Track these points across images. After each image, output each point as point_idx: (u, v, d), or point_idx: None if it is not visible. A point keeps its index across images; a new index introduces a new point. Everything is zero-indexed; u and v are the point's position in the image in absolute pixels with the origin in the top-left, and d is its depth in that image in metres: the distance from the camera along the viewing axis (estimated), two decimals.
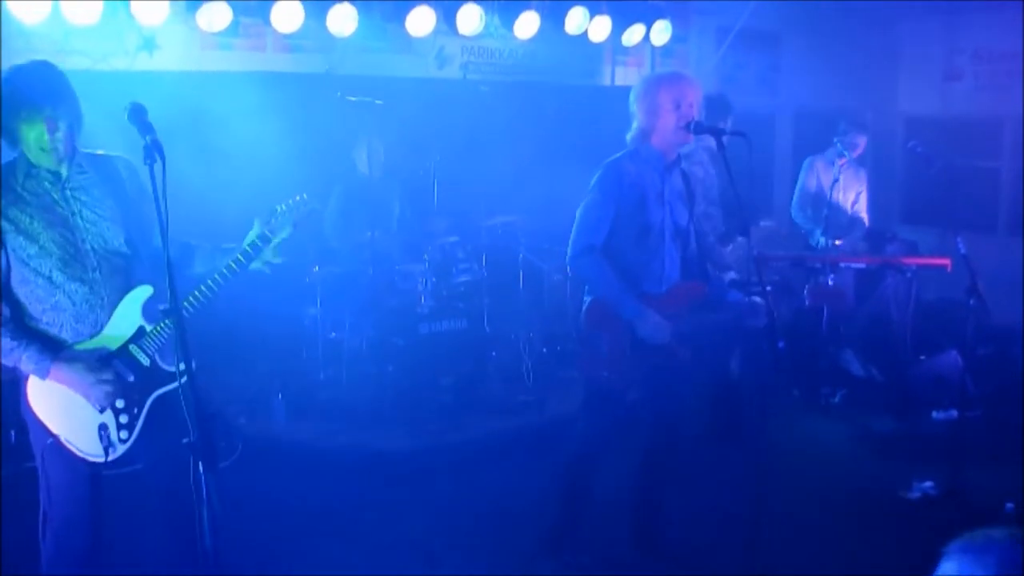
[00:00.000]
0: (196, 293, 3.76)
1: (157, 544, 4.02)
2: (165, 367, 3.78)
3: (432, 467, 6.37)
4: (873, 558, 5.21)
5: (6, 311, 3.59)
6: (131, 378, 3.71)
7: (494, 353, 7.84)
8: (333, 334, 7.30)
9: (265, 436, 6.65)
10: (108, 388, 3.62)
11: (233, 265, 3.83)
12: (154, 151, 3.22)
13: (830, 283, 7.36)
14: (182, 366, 3.23)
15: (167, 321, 3.65)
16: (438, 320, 7.39)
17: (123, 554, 4.45)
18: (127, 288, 3.72)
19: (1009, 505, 5.49)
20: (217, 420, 3.08)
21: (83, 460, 3.64)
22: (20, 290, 3.61)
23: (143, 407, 3.74)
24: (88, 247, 3.65)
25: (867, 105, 10.99)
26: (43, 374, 3.55)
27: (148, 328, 3.73)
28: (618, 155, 4.78)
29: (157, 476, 3.88)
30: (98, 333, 3.67)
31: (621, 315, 4.61)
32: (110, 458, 3.65)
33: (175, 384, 3.66)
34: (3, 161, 3.63)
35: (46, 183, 3.62)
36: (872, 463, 6.71)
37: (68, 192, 3.65)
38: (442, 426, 6.89)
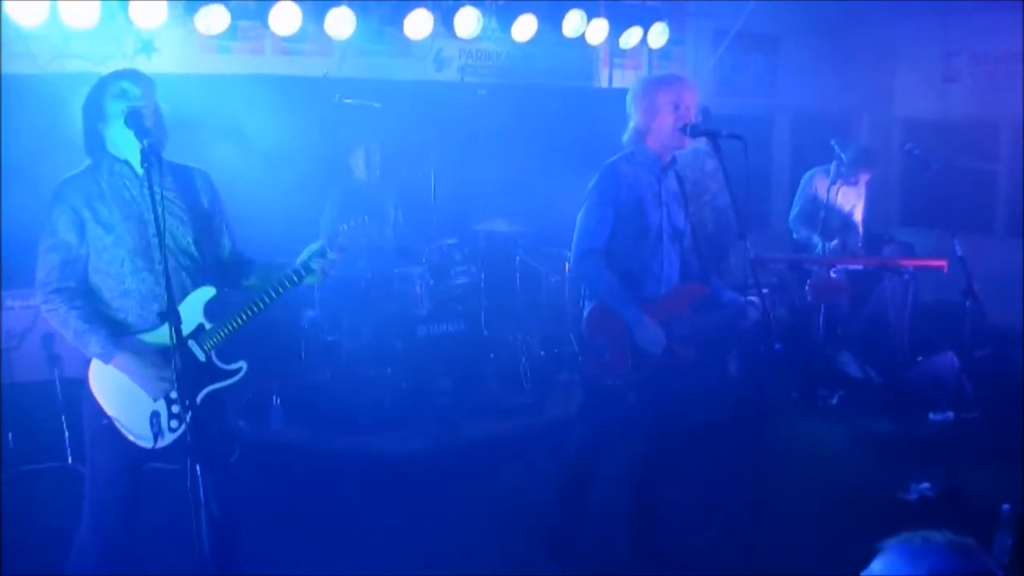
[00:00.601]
0: (253, 305, 3.95)
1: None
2: (220, 365, 3.98)
3: (430, 469, 6.37)
4: (870, 559, 5.21)
5: (81, 297, 3.77)
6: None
7: (492, 355, 7.84)
8: (331, 337, 7.30)
9: (263, 439, 6.66)
10: (164, 384, 3.79)
11: (287, 283, 4.00)
12: (151, 155, 3.26)
13: (832, 275, 7.37)
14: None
15: (229, 322, 3.92)
16: (436, 323, 7.40)
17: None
18: (189, 286, 3.92)
19: (1006, 506, 5.49)
20: (214, 423, 3.12)
21: (131, 447, 3.80)
22: (95, 277, 3.80)
23: (195, 400, 3.85)
24: (159, 241, 3.75)
25: (864, 107, 11.03)
26: (107, 359, 3.73)
27: (208, 326, 3.92)
28: (615, 158, 4.79)
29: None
30: (162, 324, 3.77)
31: (623, 318, 4.63)
32: (158, 445, 3.82)
33: (228, 382, 4.00)
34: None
35: (126, 180, 3.82)
36: (869, 464, 6.72)
37: (145, 189, 3.72)
38: (440, 428, 6.89)
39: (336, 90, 7.35)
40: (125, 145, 3.74)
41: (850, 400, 7.89)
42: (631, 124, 4.77)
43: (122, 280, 3.79)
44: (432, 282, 7.46)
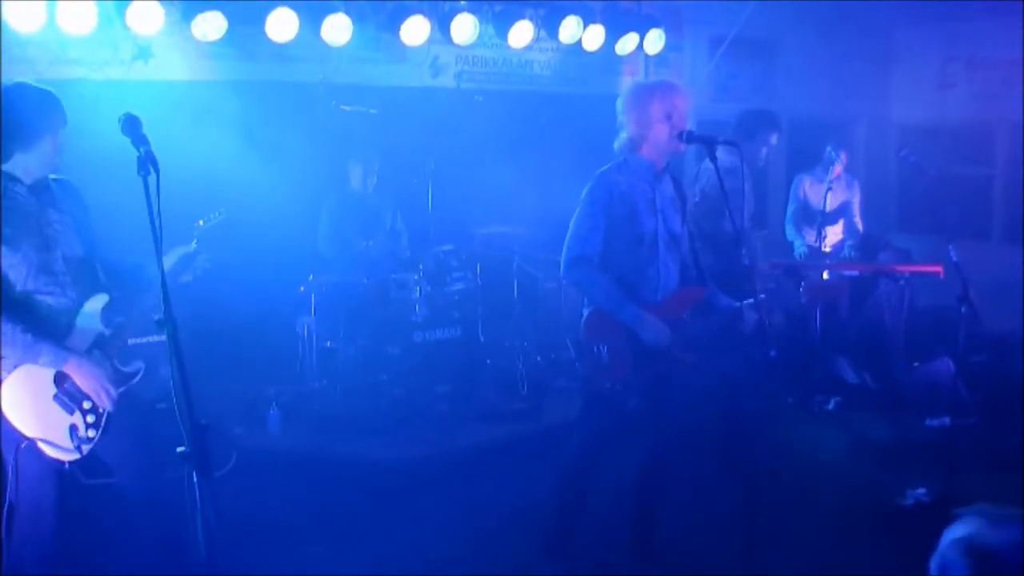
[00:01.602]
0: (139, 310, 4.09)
1: (133, 551, 4.13)
2: (123, 369, 4.07)
3: (427, 475, 6.37)
4: (866, 565, 5.22)
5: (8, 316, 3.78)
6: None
7: (489, 361, 7.85)
8: (328, 343, 7.30)
9: (260, 445, 6.65)
10: (111, 379, 3.93)
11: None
12: (148, 163, 3.25)
13: (825, 277, 7.37)
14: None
15: (123, 328, 4.04)
16: (433, 329, 7.41)
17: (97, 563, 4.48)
18: (89, 294, 4.00)
19: None
20: (211, 430, 3.10)
21: (53, 463, 3.87)
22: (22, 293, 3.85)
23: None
24: (59, 254, 3.93)
25: (861, 113, 11.05)
26: (60, 364, 3.82)
27: (107, 333, 4.01)
28: (607, 166, 4.80)
29: (132, 483, 4.16)
30: (66, 337, 3.92)
31: (621, 322, 4.62)
32: (83, 454, 3.88)
33: (130, 384, 4.08)
34: None
35: (21, 196, 3.88)
36: (866, 470, 6.71)
37: (41, 204, 3.93)
38: (437, 434, 6.90)
39: (332, 96, 7.36)
40: (40, 158, 3.88)
41: (846, 406, 7.90)
42: (623, 134, 4.77)
43: (28, 296, 3.85)
44: (429, 288, 7.47)
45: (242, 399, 7.20)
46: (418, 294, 7.39)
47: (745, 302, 4.78)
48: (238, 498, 4.77)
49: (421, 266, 7.49)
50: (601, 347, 4.71)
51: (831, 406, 7.88)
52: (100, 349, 3.97)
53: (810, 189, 8.43)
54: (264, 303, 7.08)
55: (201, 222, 4.42)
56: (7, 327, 3.73)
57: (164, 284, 3.22)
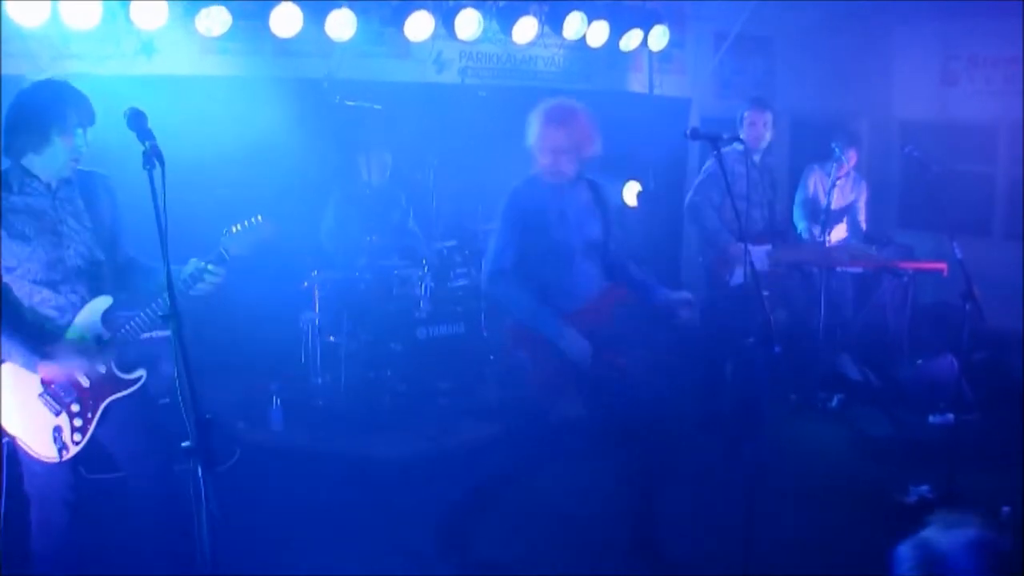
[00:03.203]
0: (147, 314, 3.96)
1: (141, 549, 4.13)
2: (121, 375, 4.00)
3: (429, 471, 6.37)
4: (869, 562, 5.21)
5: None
6: (87, 383, 3.91)
7: (492, 357, 7.85)
8: (331, 338, 7.30)
9: (263, 441, 6.66)
10: (94, 370, 3.88)
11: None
12: (153, 157, 3.26)
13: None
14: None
15: (124, 330, 3.95)
16: (436, 325, 7.41)
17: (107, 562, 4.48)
18: (101, 293, 3.96)
19: (1006, 509, 5.51)
20: (214, 424, 3.10)
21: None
22: (11, 289, 3.82)
23: (96, 412, 3.93)
24: (72, 252, 3.90)
25: (863, 110, 11.03)
26: (32, 367, 3.76)
27: (106, 336, 3.94)
28: (520, 181, 4.89)
29: (138, 482, 4.11)
30: (60, 337, 3.87)
31: (542, 333, 4.65)
32: (63, 459, 3.84)
33: (129, 391, 4.01)
34: None
35: (38, 193, 3.87)
36: (869, 467, 6.71)
37: (56, 202, 3.90)
38: (440, 430, 6.90)
39: (336, 92, 7.36)
40: (51, 159, 3.83)
41: (849, 403, 7.89)
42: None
43: (35, 292, 3.84)
44: (432, 284, 7.46)
45: (245, 394, 7.21)
46: (421, 290, 7.39)
47: (680, 294, 4.83)
48: (241, 492, 4.80)
49: (425, 262, 7.48)
50: (525, 357, 4.73)
51: (834, 403, 7.87)
52: (97, 351, 3.90)
53: (818, 183, 8.38)
54: (267, 298, 7.07)
55: (236, 227, 4.19)
56: None
57: (169, 279, 3.23)
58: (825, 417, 7.71)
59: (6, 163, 3.87)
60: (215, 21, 6.92)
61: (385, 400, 7.10)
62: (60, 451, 3.81)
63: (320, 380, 7.28)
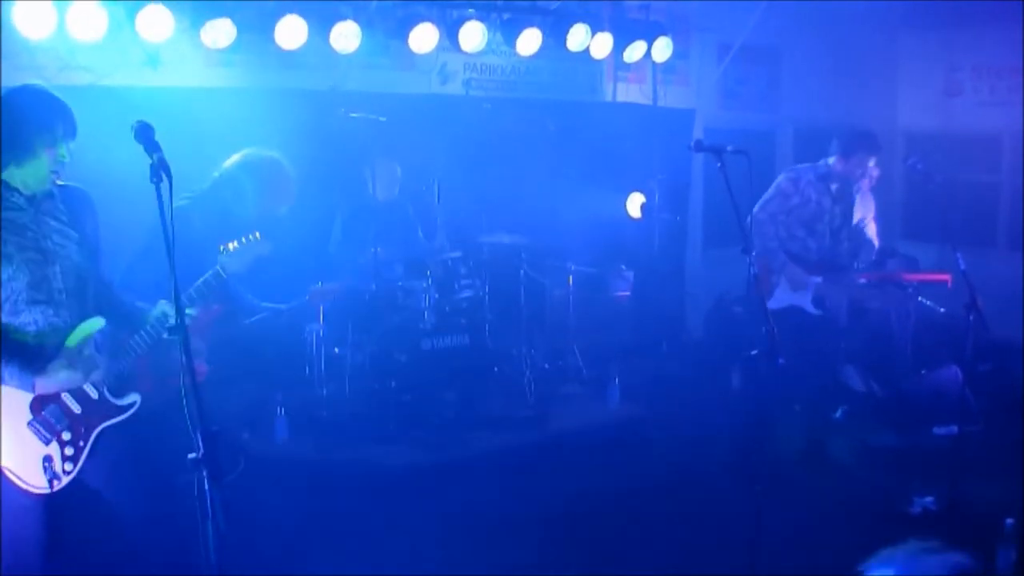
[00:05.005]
0: (141, 340, 3.92)
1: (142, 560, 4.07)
2: (113, 400, 3.86)
3: (435, 482, 6.38)
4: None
5: None
6: (78, 409, 3.76)
7: (496, 369, 7.85)
8: (336, 350, 7.30)
9: (268, 452, 6.65)
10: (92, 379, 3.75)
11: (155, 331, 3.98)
12: (160, 170, 3.25)
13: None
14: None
15: (120, 356, 3.84)
16: (440, 336, 7.40)
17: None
18: (86, 313, 3.80)
19: (1009, 520, 5.49)
20: (220, 436, 3.09)
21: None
22: None
23: (88, 440, 3.77)
24: (57, 269, 3.73)
25: (867, 121, 11.04)
26: (28, 387, 3.61)
27: (98, 360, 3.79)
28: None
29: (133, 509, 3.94)
30: (53, 359, 3.69)
31: None
32: (55, 489, 3.65)
33: (122, 417, 3.85)
34: None
35: (19, 207, 3.69)
36: (873, 478, 6.71)
37: (40, 216, 3.74)
38: (444, 441, 6.91)
39: (341, 104, 7.37)
40: (34, 172, 3.68)
41: (853, 414, 7.88)
42: None
43: (18, 314, 3.65)
44: (437, 295, 7.46)
45: (250, 405, 7.20)
46: (426, 301, 7.39)
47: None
48: (246, 503, 4.79)
49: (429, 273, 7.49)
50: None
51: (838, 414, 7.87)
52: (88, 374, 3.76)
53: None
54: (273, 309, 7.08)
55: (233, 244, 4.18)
56: None
57: (177, 291, 3.23)
58: (829, 428, 7.70)
59: None
60: (220, 33, 6.94)
61: (390, 411, 7.09)
62: (51, 481, 3.62)
63: (325, 391, 7.27)
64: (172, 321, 3.74)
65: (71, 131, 3.72)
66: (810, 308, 7.01)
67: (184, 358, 3.21)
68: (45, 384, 3.64)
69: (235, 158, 5.43)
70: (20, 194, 3.70)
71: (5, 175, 3.67)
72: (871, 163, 7.10)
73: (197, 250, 4.89)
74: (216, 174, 5.36)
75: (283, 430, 6.90)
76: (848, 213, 7.19)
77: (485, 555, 5.44)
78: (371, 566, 5.23)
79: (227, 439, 6.42)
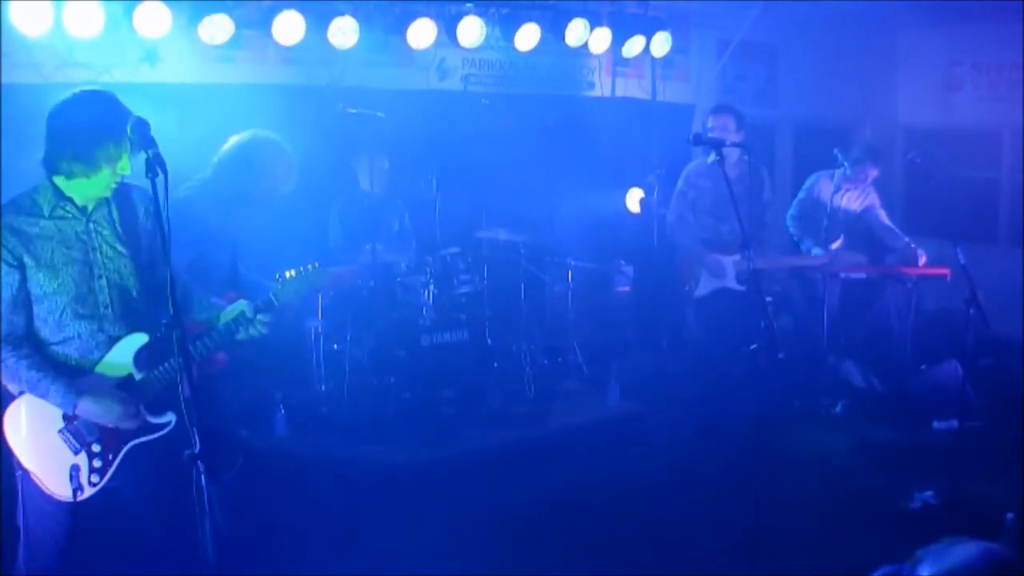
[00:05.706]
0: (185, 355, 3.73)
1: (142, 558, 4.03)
2: (149, 418, 3.73)
3: (434, 479, 6.37)
4: (873, 568, 5.20)
5: (28, 343, 3.55)
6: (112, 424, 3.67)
7: (496, 364, 7.84)
8: (335, 346, 7.30)
9: (266, 448, 6.65)
10: (134, 420, 3.64)
11: (217, 338, 3.91)
12: (156, 165, 3.22)
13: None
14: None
15: (158, 372, 3.68)
16: (440, 332, 7.39)
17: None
18: (133, 328, 3.69)
19: (1009, 515, 5.49)
20: (219, 432, 3.05)
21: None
22: (36, 323, 3.57)
23: (118, 454, 3.69)
24: (104, 283, 3.62)
25: (867, 117, 11.04)
26: (70, 408, 3.54)
27: (138, 377, 3.68)
28: None
29: (156, 531, 3.84)
30: (89, 375, 3.62)
31: None
32: (78, 499, 3.59)
33: (154, 436, 3.74)
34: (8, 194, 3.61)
35: (71, 217, 3.59)
36: (873, 473, 6.71)
37: (91, 226, 3.63)
38: (444, 437, 6.90)
39: (339, 100, 7.36)
40: (92, 185, 3.55)
41: (853, 409, 7.89)
42: None
43: (62, 328, 3.57)
44: (436, 291, 7.45)
45: (249, 401, 7.19)
46: (425, 297, 7.39)
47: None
48: (245, 500, 4.79)
49: (428, 269, 7.48)
50: None
51: (838, 409, 7.87)
52: (127, 392, 3.63)
53: (823, 191, 8.33)
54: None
55: (291, 273, 4.05)
56: (10, 361, 3.48)
57: (172, 286, 3.19)
58: (829, 423, 7.71)
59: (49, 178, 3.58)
60: (218, 29, 6.94)
61: (389, 407, 7.08)
62: (75, 491, 3.56)
63: (324, 387, 7.27)
64: (251, 319, 3.88)
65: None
66: (735, 286, 7.09)
67: (179, 355, 3.19)
68: (87, 410, 3.55)
69: (233, 140, 5.41)
70: (73, 204, 3.59)
71: (59, 181, 3.57)
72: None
73: (210, 237, 4.89)
74: (215, 159, 5.34)
75: (282, 426, 6.90)
76: (755, 189, 7.23)
77: (484, 551, 5.43)
78: (370, 562, 5.23)
79: (226, 435, 6.43)
